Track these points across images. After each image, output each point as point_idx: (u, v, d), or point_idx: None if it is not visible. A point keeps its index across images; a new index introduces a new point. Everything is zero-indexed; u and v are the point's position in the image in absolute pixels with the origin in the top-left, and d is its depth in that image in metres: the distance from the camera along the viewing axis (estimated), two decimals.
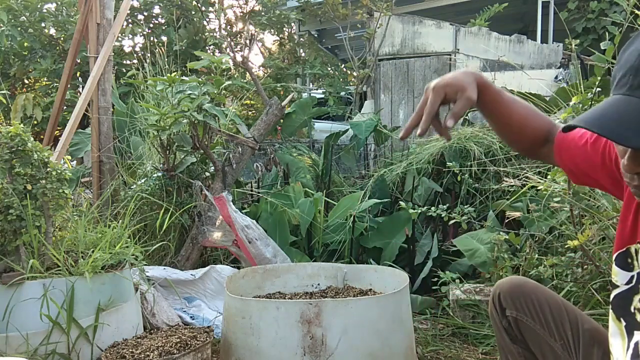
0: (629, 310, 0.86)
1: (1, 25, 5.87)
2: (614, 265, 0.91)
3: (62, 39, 6.40)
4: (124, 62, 6.57)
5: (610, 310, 0.90)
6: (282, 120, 4.86)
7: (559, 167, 1.12)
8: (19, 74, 6.46)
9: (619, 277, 0.89)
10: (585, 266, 2.02)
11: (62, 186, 1.89)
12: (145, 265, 2.22)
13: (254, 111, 7.29)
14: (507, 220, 2.65)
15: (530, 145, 1.11)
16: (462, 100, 0.95)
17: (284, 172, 3.87)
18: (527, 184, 2.38)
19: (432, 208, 2.57)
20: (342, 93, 7.44)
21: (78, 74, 6.15)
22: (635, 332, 0.84)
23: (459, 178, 3.17)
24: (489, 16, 6.19)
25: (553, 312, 1.09)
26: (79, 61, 5.39)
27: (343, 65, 10.82)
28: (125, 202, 2.70)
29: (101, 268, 1.86)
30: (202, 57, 2.87)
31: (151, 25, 7.03)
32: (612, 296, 0.90)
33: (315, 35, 9.53)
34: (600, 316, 1.84)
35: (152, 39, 6.50)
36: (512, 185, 2.47)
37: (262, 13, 7.32)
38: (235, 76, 6.13)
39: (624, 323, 0.86)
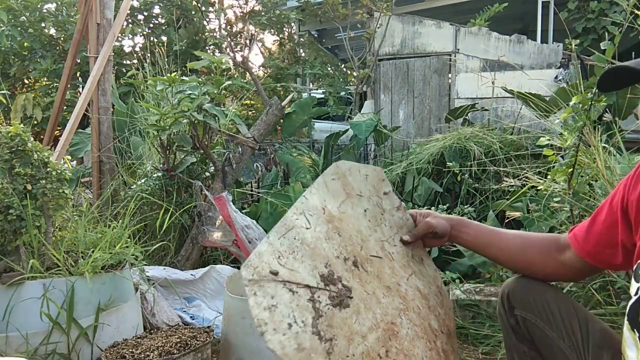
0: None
1: (1, 25, 5.88)
2: (632, 278, 0.91)
3: (62, 39, 6.41)
4: (124, 62, 6.58)
5: (625, 321, 0.89)
6: (282, 120, 4.87)
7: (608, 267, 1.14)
8: (19, 74, 6.46)
9: (632, 288, 0.89)
10: None
11: (62, 186, 1.89)
12: (145, 265, 2.22)
13: (254, 111, 7.30)
14: (507, 220, 2.65)
15: (546, 268, 1.16)
16: (421, 223, 1.22)
17: (284, 172, 3.88)
18: (527, 184, 2.38)
19: (432, 208, 2.57)
20: (342, 93, 7.45)
21: (78, 74, 6.16)
22: None
23: (459, 178, 3.18)
24: (489, 16, 6.19)
25: (562, 313, 1.08)
26: (79, 61, 5.39)
27: (343, 65, 10.83)
28: (125, 202, 2.70)
29: (101, 268, 1.85)
30: (202, 57, 2.86)
31: (151, 25, 7.03)
32: (627, 307, 0.89)
33: (315, 35, 9.53)
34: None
35: (152, 39, 6.51)
36: (512, 185, 2.47)
37: (262, 13, 7.33)
38: (235, 76, 6.13)
39: (637, 334, 0.85)
